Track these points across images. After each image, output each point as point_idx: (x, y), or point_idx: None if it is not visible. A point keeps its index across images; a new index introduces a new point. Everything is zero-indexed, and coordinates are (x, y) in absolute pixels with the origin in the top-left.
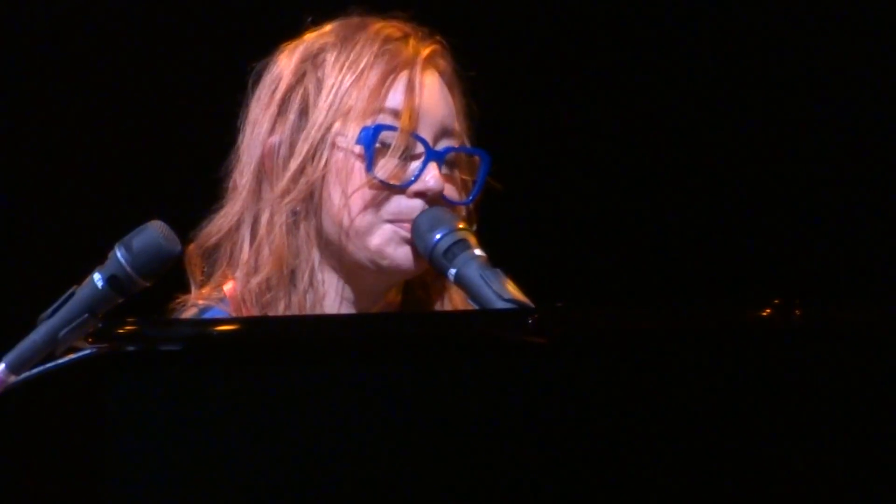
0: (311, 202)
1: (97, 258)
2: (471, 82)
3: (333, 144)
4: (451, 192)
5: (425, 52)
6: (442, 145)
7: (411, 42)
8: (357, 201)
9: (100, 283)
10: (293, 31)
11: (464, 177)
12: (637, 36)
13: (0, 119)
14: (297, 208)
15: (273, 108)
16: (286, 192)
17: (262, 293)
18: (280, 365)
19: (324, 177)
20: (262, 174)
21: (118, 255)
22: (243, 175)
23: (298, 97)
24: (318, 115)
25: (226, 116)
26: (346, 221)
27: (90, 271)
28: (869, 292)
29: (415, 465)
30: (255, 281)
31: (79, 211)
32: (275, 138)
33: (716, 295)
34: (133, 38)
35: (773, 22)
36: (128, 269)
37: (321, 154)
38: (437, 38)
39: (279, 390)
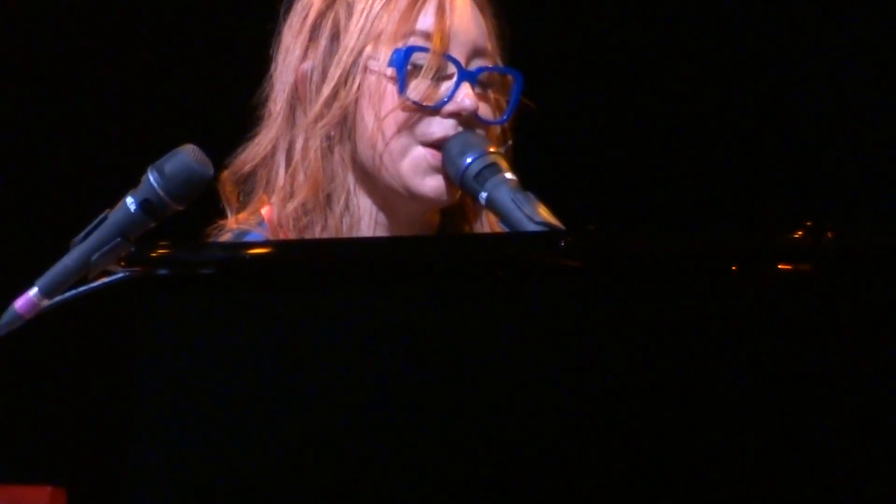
0: (344, 126)
1: (131, 184)
2: (502, 4)
3: (365, 68)
4: (485, 111)
5: None
6: (475, 65)
7: None
8: (390, 123)
9: (132, 207)
10: None
11: (497, 96)
12: None
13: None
14: (332, 133)
15: (304, 35)
16: (319, 116)
17: (298, 217)
18: (312, 288)
19: (357, 100)
20: (296, 100)
21: (150, 178)
22: (277, 102)
23: (329, 22)
24: (350, 40)
25: (258, 44)
26: (380, 145)
27: (123, 195)
28: None
29: (447, 391)
30: (291, 206)
31: (113, 133)
32: (307, 64)
33: (748, 217)
34: None
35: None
36: (160, 192)
37: (353, 78)
38: None
39: (312, 314)
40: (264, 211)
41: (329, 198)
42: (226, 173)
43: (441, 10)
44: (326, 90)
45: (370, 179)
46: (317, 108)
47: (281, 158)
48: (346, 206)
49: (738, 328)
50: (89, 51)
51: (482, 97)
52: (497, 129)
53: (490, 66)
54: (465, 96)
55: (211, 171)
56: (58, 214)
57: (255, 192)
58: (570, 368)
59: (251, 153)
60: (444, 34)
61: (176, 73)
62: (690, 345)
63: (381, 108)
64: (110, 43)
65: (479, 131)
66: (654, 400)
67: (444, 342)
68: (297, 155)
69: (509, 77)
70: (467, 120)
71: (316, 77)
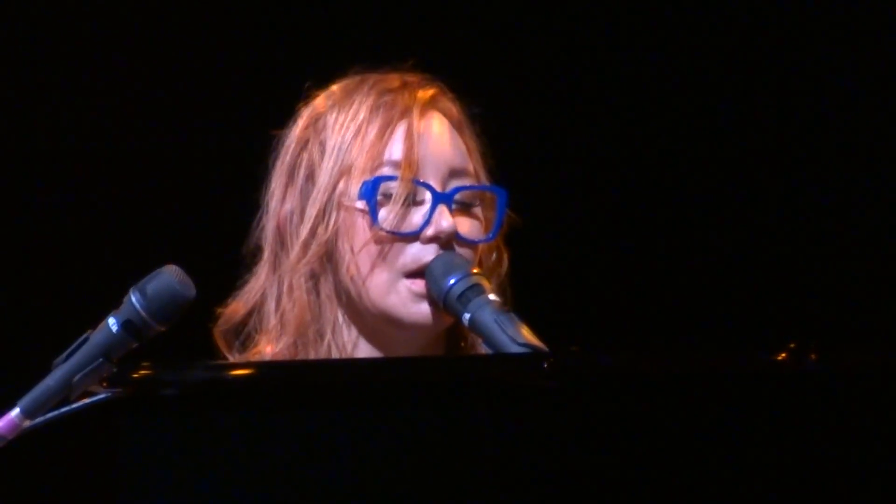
0: (328, 264)
1: (113, 302)
2: (484, 121)
3: (339, 204)
4: (470, 230)
5: (425, 97)
6: (452, 185)
7: (409, 90)
8: (366, 256)
9: (115, 328)
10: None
11: (487, 214)
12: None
13: (16, 171)
14: (315, 271)
15: (283, 178)
16: (300, 257)
17: (293, 356)
18: (295, 409)
19: (336, 237)
20: (279, 244)
21: (133, 299)
22: (264, 249)
23: (304, 163)
24: (324, 178)
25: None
26: (358, 280)
27: (104, 315)
28: (886, 336)
29: None
30: (281, 345)
31: (98, 255)
32: (287, 207)
33: (731, 339)
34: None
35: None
36: (143, 313)
37: (329, 215)
38: (437, 83)
39: (294, 435)
40: (268, 350)
41: (319, 333)
42: (218, 324)
43: (409, 137)
44: (304, 231)
45: (358, 313)
46: (297, 249)
47: (271, 302)
48: (336, 340)
49: (721, 449)
50: (65, 177)
51: (465, 216)
52: (487, 247)
53: (468, 185)
54: (443, 219)
55: (193, 292)
56: (39, 334)
57: (251, 337)
58: (552, 490)
59: (243, 301)
60: (413, 161)
61: (162, 193)
62: (673, 465)
63: (355, 241)
64: (94, 161)
65: (464, 251)
66: None
67: (427, 463)
68: (284, 297)
69: (493, 195)
70: (448, 242)
71: (295, 219)
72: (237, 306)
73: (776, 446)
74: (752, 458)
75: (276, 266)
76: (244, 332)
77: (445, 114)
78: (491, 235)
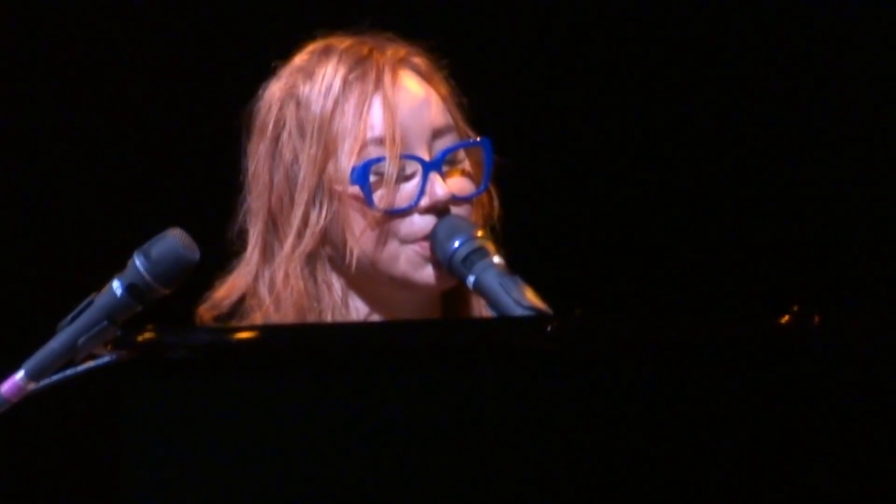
0: (323, 247)
1: (117, 266)
2: (453, 68)
3: (331, 191)
4: (460, 187)
5: (395, 59)
6: (438, 147)
7: (377, 56)
8: (369, 238)
9: (119, 291)
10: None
11: (473, 164)
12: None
13: (22, 141)
14: (311, 256)
15: (266, 161)
16: (295, 246)
17: None
18: (299, 372)
19: (330, 223)
20: (270, 230)
21: (137, 263)
22: (250, 232)
23: (286, 146)
24: (309, 163)
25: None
26: (364, 259)
27: (109, 278)
28: (889, 299)
29: (432, 474)
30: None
31: (100, 218)
32: (274, 194)
33: (734, 302)
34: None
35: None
36: (147, 277)
37: (321, 202)
38: (400, 40)
39: (297, 397)
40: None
41: (319, 315)
42: (203, 308)
43: (388, 110)
44: (296, 219)
45: (363, 287)
46: (291, 238)
47: (263, 288)
48: (335, 318)
49: (725, 414)
50: (68, 134)
51: (455, 174)
52: (481, 197)
53: (453, 144)
54: (437, 187)
55: (197, 255)
56: (45, 297)
57: (242, 319)
58: (557, 453)
59: (232, 286)
60: (397, 135)
61: (161, 152)
62: (675, 430)
63: (354, 227)
64: (94, 123)
65: (461, 209)
66: (634, 486)
67: (429, 427)
68: (279, 284)
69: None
70: (445, 208)
71: (285, 205)
72: (227, 291)
73: (780, 410)
74: (756, 422)
75: (266, 252)
76: (235, 315)
77: (416, 70)
78: (483, 187)
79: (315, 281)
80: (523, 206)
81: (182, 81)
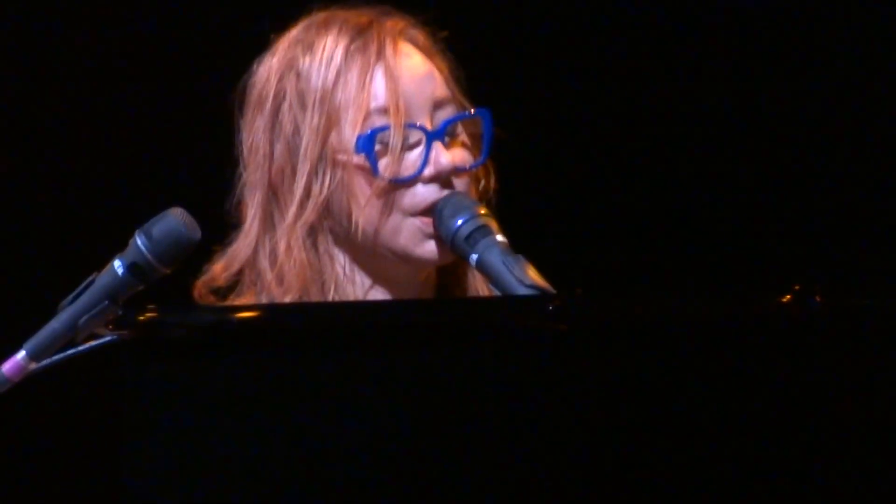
0: (325, 219)
1: (118, 245)
2: (451, 41)
3: (334, 160)
4: (461, 158)
5: (395, 30)
6: (439, 118)
7: (378, 27)
8: (374, 207)
9: (120, 271)
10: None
11: (470, 137)
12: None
13: (21, 119)
14: (313, 227)
15: (266, 133)
16: (297, 216)
17: None
18: (300, 352)
19: (333, 193)
20: (271, 201)
21: (138, 242)
22: (250, 206)
23: (286, 116)
24: (311, 133)
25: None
26: (369, 229)
27: (110, 258)
28: (891, 277)
29: (434, 452)
30: (286, 300)
31: (101, 198)
32: (274, 165)
33: (736, 282)
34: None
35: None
36: (148, 256)
37: (323, 172)
38: (399, 12)
39: (299, 377)
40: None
41: (322, 287)
42: (201, 282)
43: (391, 80)
44: (299, 189)
45: (364, 258)
46: (293, 208)
47: (264, 260)
48: (338, 290)
49: (726, 393)
50: (69, 118)
51: (455, 145)
52: (478, 171)
53: (454, 115)
54: (441, 156)
55: (198, 234)
56: (46, 275)
57: (241, 293)
58: (559, 432)
59: (232, 258)
60: (400, 105)
61: (161, 132)
62: (677, 409)
63: (360, 195)
64: (91, 106)
65: (461, 181)
66: (635, 465)
67: (431, 406)
68: (281, 255)
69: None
70: (448, 178)
71: (287, 176)
72: (226, 263)
73: (782, 388)
74: (758, 400)
75: (267, 223)
76: (233, 290)
77: (416, 43)
78: (482, 158)
79: (317, 252)
80: (520, 182)
81: (178, 60)
